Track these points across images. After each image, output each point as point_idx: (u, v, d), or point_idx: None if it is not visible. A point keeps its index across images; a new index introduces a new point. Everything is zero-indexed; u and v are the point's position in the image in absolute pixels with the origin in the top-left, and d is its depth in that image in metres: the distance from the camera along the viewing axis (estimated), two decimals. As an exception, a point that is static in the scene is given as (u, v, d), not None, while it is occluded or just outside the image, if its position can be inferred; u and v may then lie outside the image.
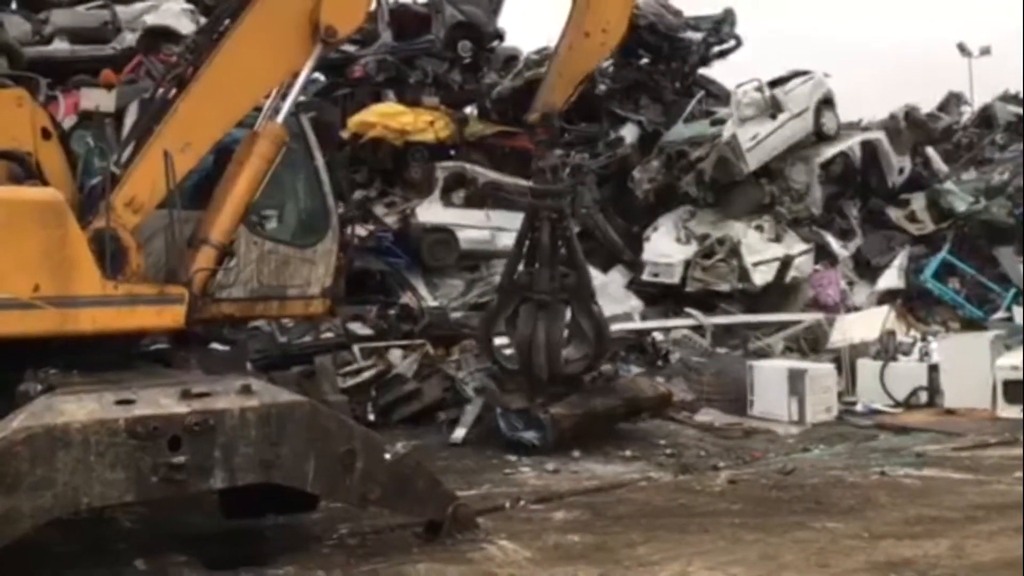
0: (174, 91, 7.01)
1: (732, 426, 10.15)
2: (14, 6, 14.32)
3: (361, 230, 14.00)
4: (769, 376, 10.80)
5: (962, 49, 28.47)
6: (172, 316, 6.82)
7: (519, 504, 7.24)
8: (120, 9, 14.02)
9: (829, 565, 5.48)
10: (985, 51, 28.25)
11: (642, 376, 11.14)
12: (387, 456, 6.00)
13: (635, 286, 14.60)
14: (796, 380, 10.52)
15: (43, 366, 6.17)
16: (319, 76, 16.09)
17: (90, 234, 6.66)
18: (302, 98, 8.38)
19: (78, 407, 5.07)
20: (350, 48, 15.87)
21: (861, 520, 6.41)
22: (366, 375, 11.34)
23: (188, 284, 6.98)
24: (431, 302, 14.02)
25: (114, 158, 7.02)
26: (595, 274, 14.60)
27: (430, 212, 14.67)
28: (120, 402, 5.20)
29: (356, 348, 12.13)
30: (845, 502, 6.93)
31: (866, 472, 7.89)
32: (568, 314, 9.35)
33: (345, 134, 14.86)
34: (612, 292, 14.35)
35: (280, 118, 7.20)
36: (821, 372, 10.82)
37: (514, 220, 11.20)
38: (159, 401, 5.30)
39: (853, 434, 9.81)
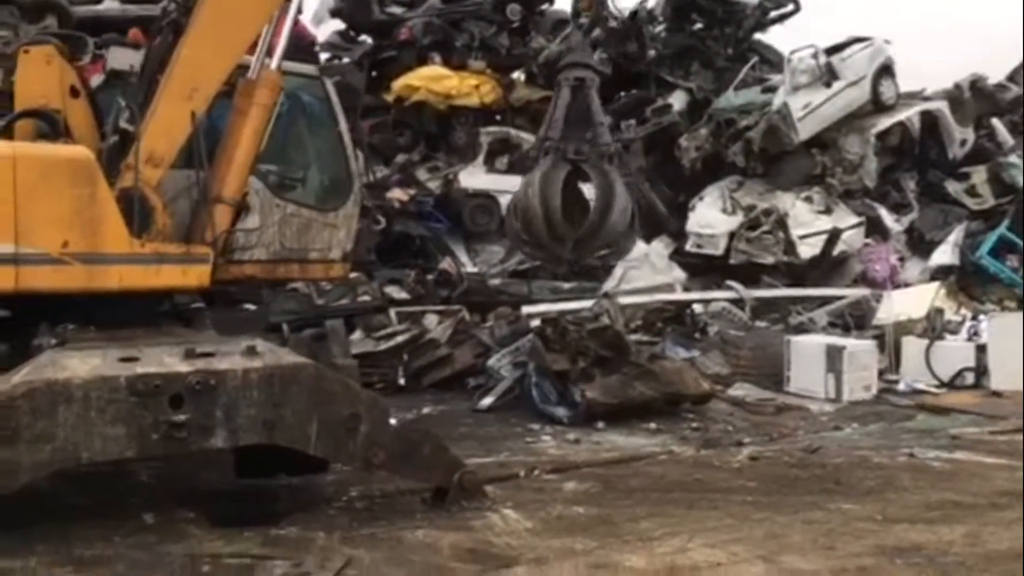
0: (171, 37, 7.00)
1: (765, 402, 9.95)
2: (67, -34, 14.47)
3: (402, 194, 14.07)
4: (806, 352, 10.55)
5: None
6: (198, 276, 6.88)
7: (533, 473, 7.19)
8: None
9: (835, 548, 5.33)
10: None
11: (689, 362, 10.84)
12: (393, 421, 5.99)
13: (679, 257, 14.37)
14: (834, 356, 10.26)
15: (69, 322, 6.30)
16: (366, 38, 16.13)
17: (116, 192, 6.75)
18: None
19: (81, 363, 5.15)
20: (397, 10, 15.83)
21: (878, 503, 6.22)
22: (399, 339, 11.39)
23: (213, 244, 7.04)
24: (471, 268, 14.02)
25: (126, 116, 7.07)
26: (638, 244, 14.50)
27: (473, 177, 14.63)
28: (124, 359, 5.26)
29: (392, 312, 12.21)
30: (865, 483, 6.73)
31: (894, 453, 7.66)
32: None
33: (389, 97, 14.88)
34: (654, 262, 14.19)
35: (274, 64, 7.15)
36: (860, 349, 10.52)
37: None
38: (163, 359, 5.35)
39: (890, 414, 9.54)
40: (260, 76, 7.21)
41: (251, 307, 8.74)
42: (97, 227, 6.31)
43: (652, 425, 8.90)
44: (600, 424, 8.91)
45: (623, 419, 8.97)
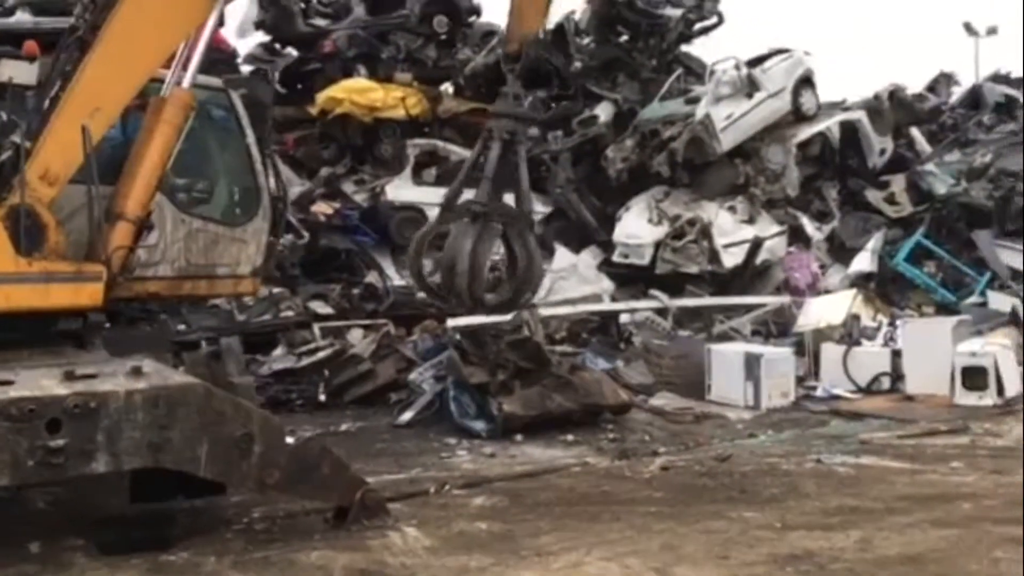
0: (76, 55, 6.84)
1: (684, 411, 10.00)
2: (-23, -22, 14.15)
3: (327, 207, 13.94)
4: (726, 360, 10.64)
5: (968, 28, 27.96)
6: (89, 294, 6.69)
7: (444, 489, 7.12)
8: (84, -19, 13.82)
9: (729, 557, 5.34)
10: (992, 31, 27.71)
11: (610, 372, 10.85)
12: (289, 440, 5.88)
13: (607, 267, 14.42)
14: (752, 364, 10.35)
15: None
16: (291, 51, 15.99)
17: (4, 210, 6.55)
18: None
19: (-50, 389, 4.96)
20: (321, 22, 15.71)
21: (779, 510, 6.27)
22: (320, 355, 11.26)
23: (107, 262, 6.87)
24: (398, 281, 13.90)
25: (22, 130, 6.87)
26: (566, 255, 14.56)
27: (400, 190, 14.55)
28: (-2, 383, 5.08)
29: (316, 327, 12.06)
30: (769, 491, 6.78)
31: (802, 460, 7.74)
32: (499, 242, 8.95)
33: (313, 110, 14.74)
34: (583, 272, 14.24)
35: (186, 82, 7.01)
36: (778, 356, 10.63)
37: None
38: (40, 383, 5.19)
39: (805, 420, 9.65)
40: (171, 94, 7.08)
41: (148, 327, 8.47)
42: None
43: (570, 437, 8.88)
44: (519, 437, 8.87)
45: (542, 431, 8.95)
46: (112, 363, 5.67)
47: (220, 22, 8.03)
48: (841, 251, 14.64)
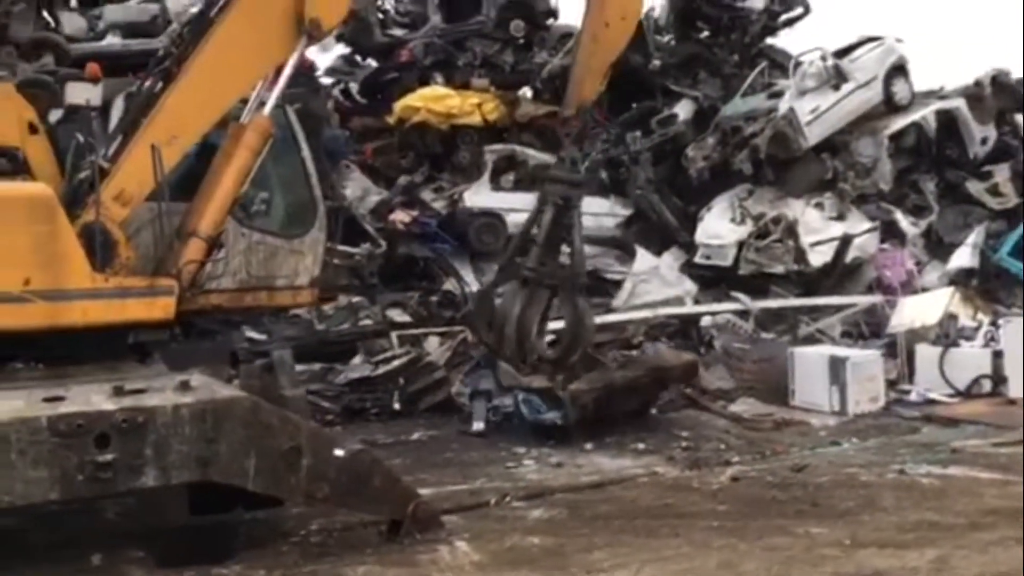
0: (160, 84, 7.04)
1: (764, 417, 9.62)
2: (73, 3, 14.74)
3: (405, 216, 13.97)
4: (810, 363, 10.20)
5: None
6: (162, 308, 6.87)
7: (505, 501, 6.99)
8: (170, 3, 14.25)
9: (789, 576, 5.05)
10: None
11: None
12: (339, 453, 5.83)
13: (689, 269, 14.05)
14: (837, 368, 9.90)
15: (36, 359, 6.29)
16: (371, 62, 16.14)
17: (78, 228, 6.75)
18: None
19: (2, 404, 5.08)
20: (398, 32, 15.80)
21: (851, 525, 5.91)
22: (395, 363, 11.26)
23: (177, 276, 7.01)
24: (476, 288, 13.84)
25: (102, 152, 7.09)
26: (648, 257, 14.24)
27: (478, 196, 14.45)
28: (48, 399, 5.19)
29: (394, 335, 12.09)
30: (843, 504, 6.42)
31: (884, 470, 7.31)
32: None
33: (391, 119, 14.82)
34: (664, 275, 13.88)
35: (266, 110, 7.17)
36: (865, 359, 10.14)
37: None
38: (89, 398, 5.28)
39: (895, 427, 9.16)
40: (251, 121, 7.22)
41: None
42: (59, 263, 6.33)
43: (641, 445, 8.64)
44: (588, 445, 8.69)
45: (615, 435, 8.74)
46: (163, 377, 5.74)
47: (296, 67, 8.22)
48: (939, 247, 13.90)
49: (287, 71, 7.35)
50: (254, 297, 7.86)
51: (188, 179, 7.52)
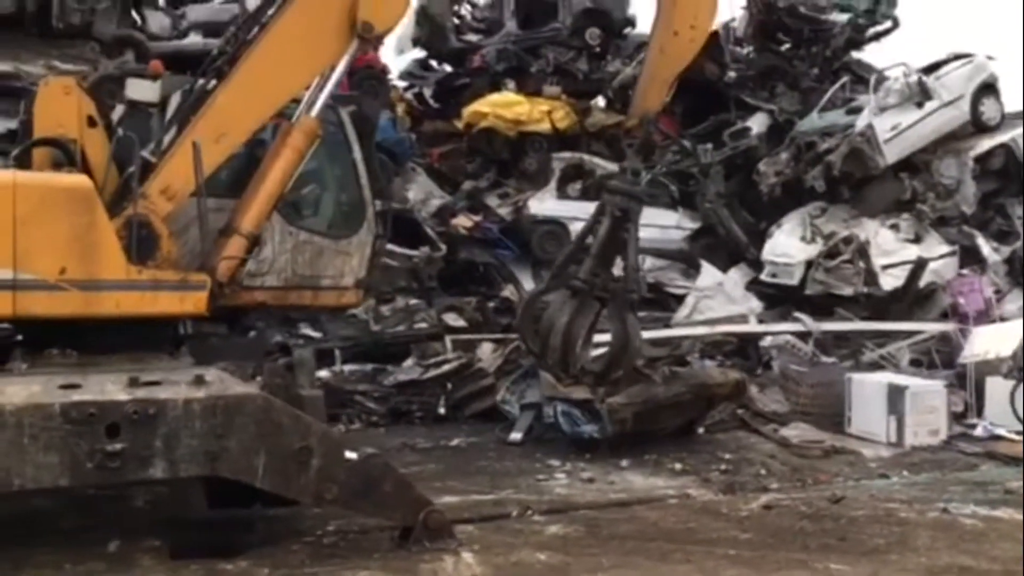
0: (214, 82, 7.17)
1: (814, 444, 9.26)
2: (161, 2, 15.22)
3: (467, 220, 13.98)
4: (867, 391, 9.79)
5: None
6: (194, 303, 6.99)
7: (527, 513, 6.88)
8: (250, 3, 14.57)
9: (795, 615, 4.81)
10: None
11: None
12: (351, 456, 5.82)
13: (756, 287, 13.69)
14: (895, 397, 9.47)
15: (69, 346, 6.47)
16: (446, 66, 16.22)
17: (123, 220, 6.93)
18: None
19: (20, 389, 5.21)
20: (474, 37, 15.84)
21: (875, 564, 5.62)
22: (445, 367, 11.25)
23: (212, 271, 7.13)
24: (528, 295, 13.73)
25: (151, 147, 7.26)
26: (713, 272, 13.92)
27: (543, 204, 14.37)
28: (64, 386, 5.30)
29: (448, 340, 12.08)
30: (873, 541, 6.10)
31: (927, 507, 6.94)
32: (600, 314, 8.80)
33: (460, 124, 14.86)
34: (729, 291, 13.57)
35: (315, 112, 7.26)
36: (927, 389, 9.67)
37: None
38: (104, 387, 5.37)
39: (952, 462, 8.72)
40: (299, 122, 7.32)
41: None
42: (94, 254, 6.49)
43: (678, 465, 8.41)
44: (624, 462, 8.51)
45: (653, 454, 8.52)
46: (181, 371, 5.81)
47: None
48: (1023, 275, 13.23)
49: (338, 72, 7.41)
50: (299, 296, 7.97)
51: (240, 177, 7.68)
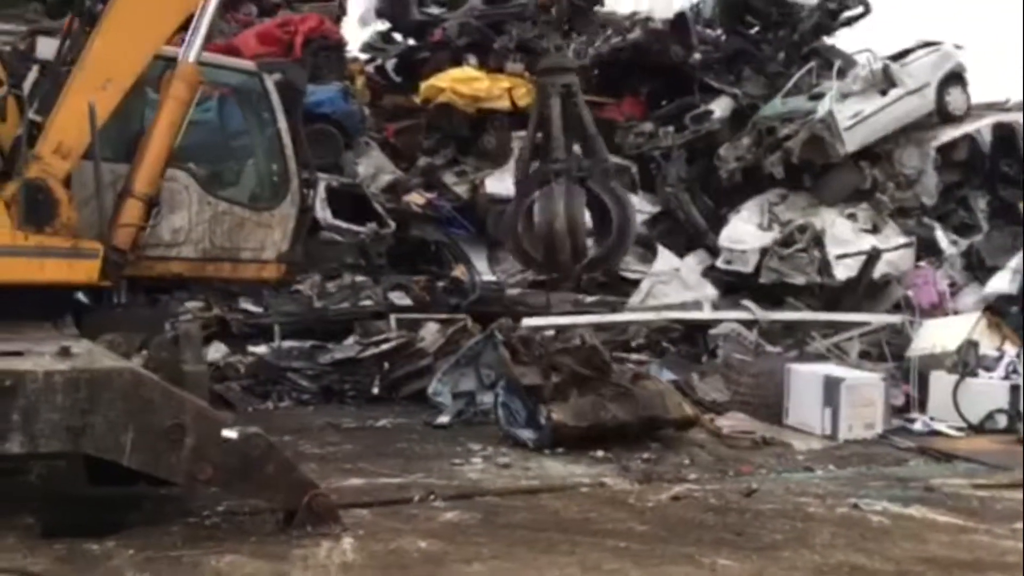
0: (87, 29, 6.91)
1: (745, 434, 9.05)
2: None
3: (420, 198, 13.72)
4: (805, 382, 9.58)
5: None
6: (86, 271, 6.78)
7: (428, 499, 6.67)
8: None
9: (663, 613, 4.62)
10: None
11: (681, 385, 10.08)
12: (230, 435, 5.59)
13: (712, 274, 13.48)
14: (831, 389, 9.26)
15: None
16: (399, 38, 15.91)
17: (19, 183, 6.68)
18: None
19: None
20: (437, 10, 15.53)
21: (765, 560, 5.42)
22: (384, 347, 11.04)
23: (108, 239, 6.90)
24: (489, 276, 13.50)
25: (35, 106, 7.01)
26: (669, 257, 13.70)
27: (501, 183, 14.09)
28: (-82, 356, 5.07)
29: (393, 318, 11.86)
30: (771, 537, 5.90)
31: (838, 503, 6.74)
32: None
33: (417, 99, 14.57)
34: (685, 278, 13.38)
35: (191, 57, 6.97)
36: (863, 382, 9.48)
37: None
38: (-38, 358, 5.13)
39: (882, 457, 8.52)
40: (177, 70, 7.08)
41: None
42: None
43: (600, 453, 8.19)
44: (546, 450, 8.27)
45: (592, 445, 8.27)
46: (50, 342, 5.58)
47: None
48: (981, 269, 13.01)
49: (211, 9, 7.09)
50: (217, 268, 7.79)
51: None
